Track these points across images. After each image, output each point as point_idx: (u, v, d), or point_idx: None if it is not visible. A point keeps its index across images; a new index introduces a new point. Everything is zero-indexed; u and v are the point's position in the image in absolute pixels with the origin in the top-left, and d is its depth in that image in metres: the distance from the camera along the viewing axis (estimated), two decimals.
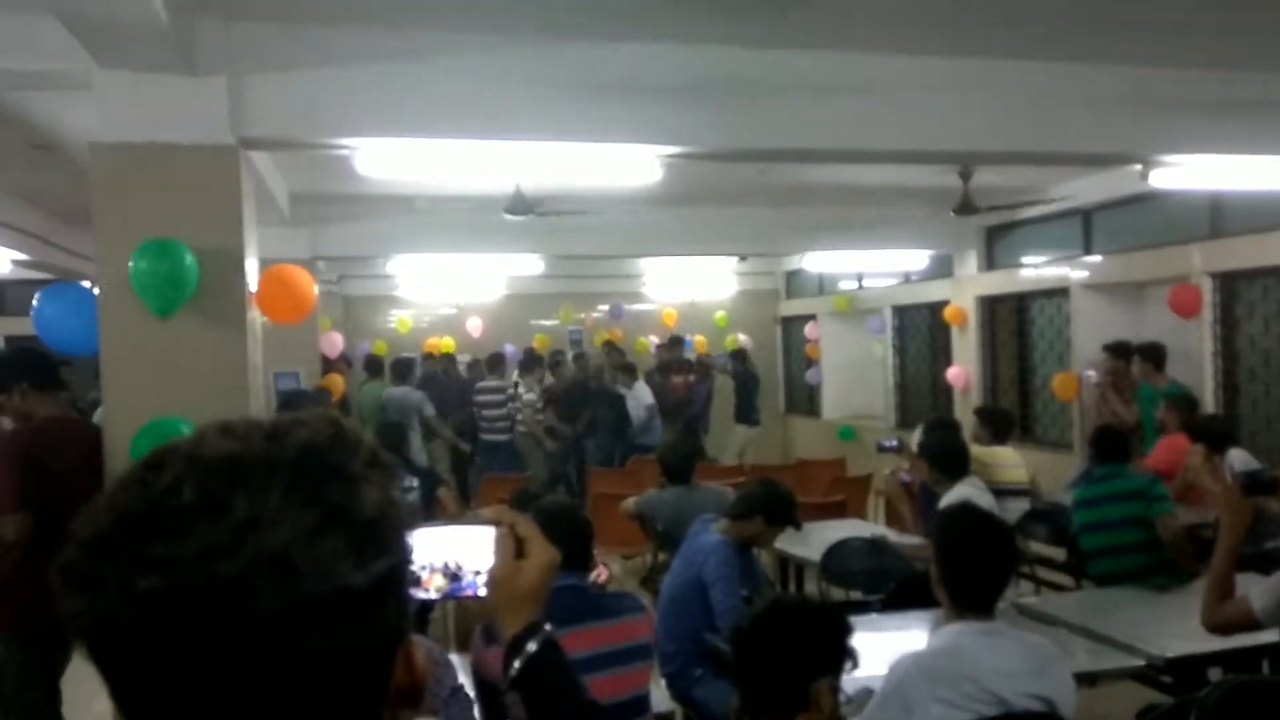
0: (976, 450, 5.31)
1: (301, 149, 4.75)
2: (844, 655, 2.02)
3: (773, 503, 3.83)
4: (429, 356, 10.48)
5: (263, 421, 0.67)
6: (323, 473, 0.64)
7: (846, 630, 2.05)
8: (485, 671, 2.55)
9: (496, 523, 1.18)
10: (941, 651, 2.45)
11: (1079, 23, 4.02)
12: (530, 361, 10.15)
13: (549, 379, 9.97)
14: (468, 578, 1.15)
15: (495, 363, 9.86)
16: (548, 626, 1.19)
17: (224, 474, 0.62)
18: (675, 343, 10.96)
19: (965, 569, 2.51)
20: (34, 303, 3.82)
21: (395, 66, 3.90)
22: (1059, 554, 5.33)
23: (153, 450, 0.65)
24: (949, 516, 2.68)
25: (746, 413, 10.63)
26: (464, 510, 5.55)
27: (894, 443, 5.38)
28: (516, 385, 9.60)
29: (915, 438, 7.07)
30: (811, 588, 4.81)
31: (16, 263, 8.07)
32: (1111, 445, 4.54)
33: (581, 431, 9.58)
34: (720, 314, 12.93)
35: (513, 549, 1.17)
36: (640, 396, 9.58)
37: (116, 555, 0.60)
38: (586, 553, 2.79)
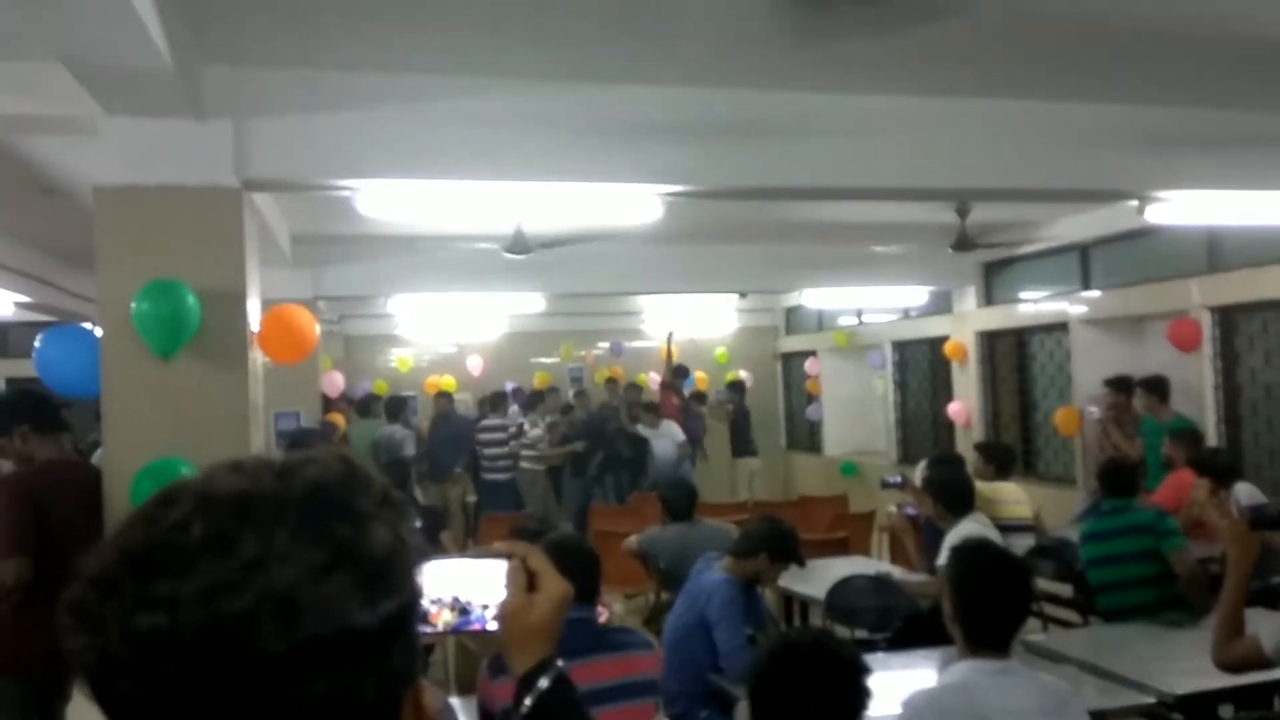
0: (980, 486, 5.28)
1: (304, 190, 4.78)
2: (863, 698, 1.99)
3: (776, 540, 3.81)
4: (443, 395, 10.34)
5: (273, 459, 0.66)
6: (332, 511, 0.63)
7: (864, 671, 2.02)
8: (490, 704, 2.52)
9: (508, 555, 1.15)
10: (953, 689, 2.42)
11: (1074, 62, 4.07)
12: (534, 399, 10.15)
13: (554, 417, 9.96)
14: (476, 612, 1.13)
15: (497, 401, 9.86)
16: (559, 662, 1.17)
17: (232, 511, 0.61)
18: (680, 372, 10.99)
19: (981, 606, 2.47)
20: (35, 344, 3.83)
21: (397, 109, 3.95)
22: (1066, 590, 5.28)
23: (164, 487, 0.65)
24: (964, 552, 2.65)
25: (744, 445, 10.62)
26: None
27: (897, 479, 5.36)
28: (521, 425, 9.59)
29: (918, 473, 7.07)
30: (816, 625, 4.76)
31: (19, 305, 8.10)
32: (1119, 479, 4.52)
33: (596, 473, 9.52)
34: (720, 350, 12.95)
35: (524, 582, 1.14)
36: (672, 434, 9.53)
37: (120, 592, 0.59)
38: (595, 586, 2.78)
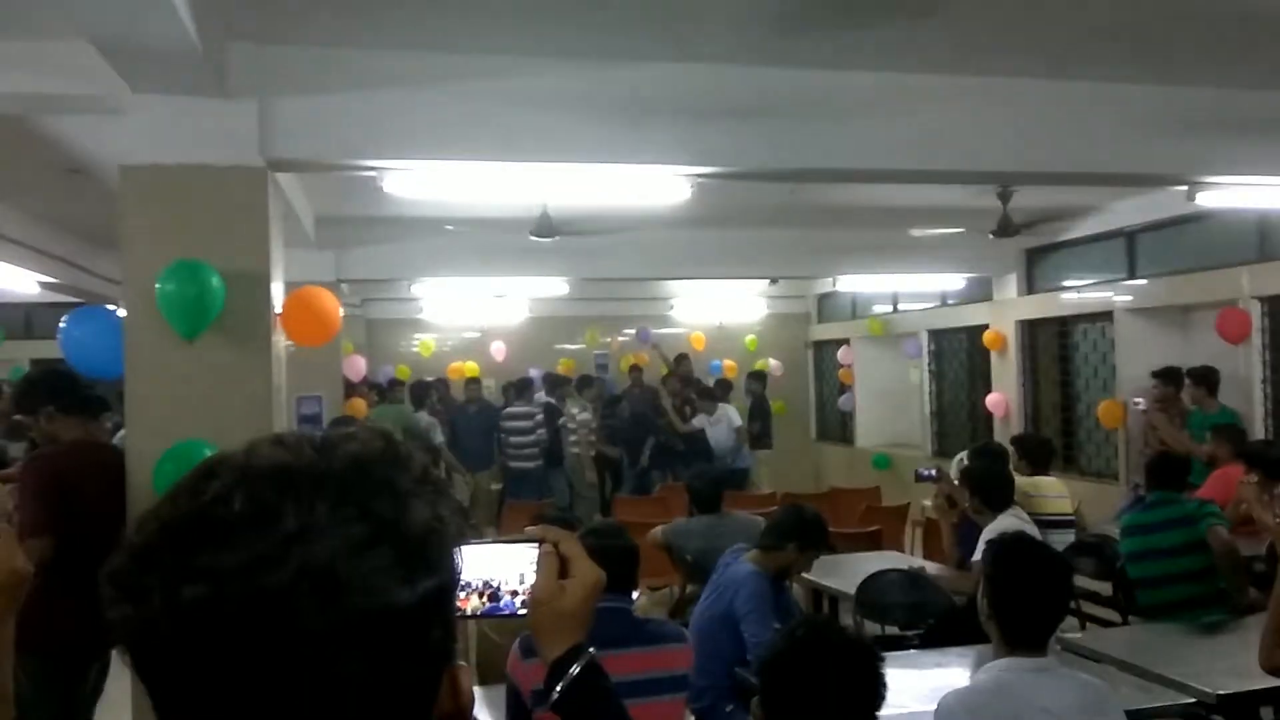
0: (1019, 480, 5.14)
1: (329, 171, 4.74)
2: (877, 687, 1.91)
3: (803, 528, 3.73)
4: (473, 381, 10.13)
5: (314, 434, 0.67)
6: (372, 487, 0.63)
7: (876, 659, 1.94)
8: (521, 685, 2.50)
9: (540, 540, 1.12)
10: (987, 689, 2.36)
11: (1121, 41, 3.91)
12: (583, 382, 9.99)
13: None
14: (505, 598, 1.10)
15: (523, 388, 9.77)
16: (591, 649, 1.14)
17: (273, 484, 0.61)
18: (681, 360, 10.80)
19: (1018, 603, 2.41)
20: (60, 325, 3.81)
21: (424, 89, 3.89)
22: (1105, 588, 5.14)
23: (206, 459, 0.65)
24: (1001, 546, 2.57)
25: (762, 437, 10.32)
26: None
27: (932, 471, 5.23)
28: (545, 410, 9.49)
29: (955, 466, 6.92)
30: (846, 620, 4.66)
31: (44, 285, 8.18)
32: (1168, 472, 4.39)
33: (647, 464, 9.41)
34: (750, 338, 12.81)
35: (556, 568, 1.12)
36: (729, 418, 9.36)
37: (163, 563, 0.59)
38: (632, 576, 2.76)
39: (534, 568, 1.10)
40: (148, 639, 0.59)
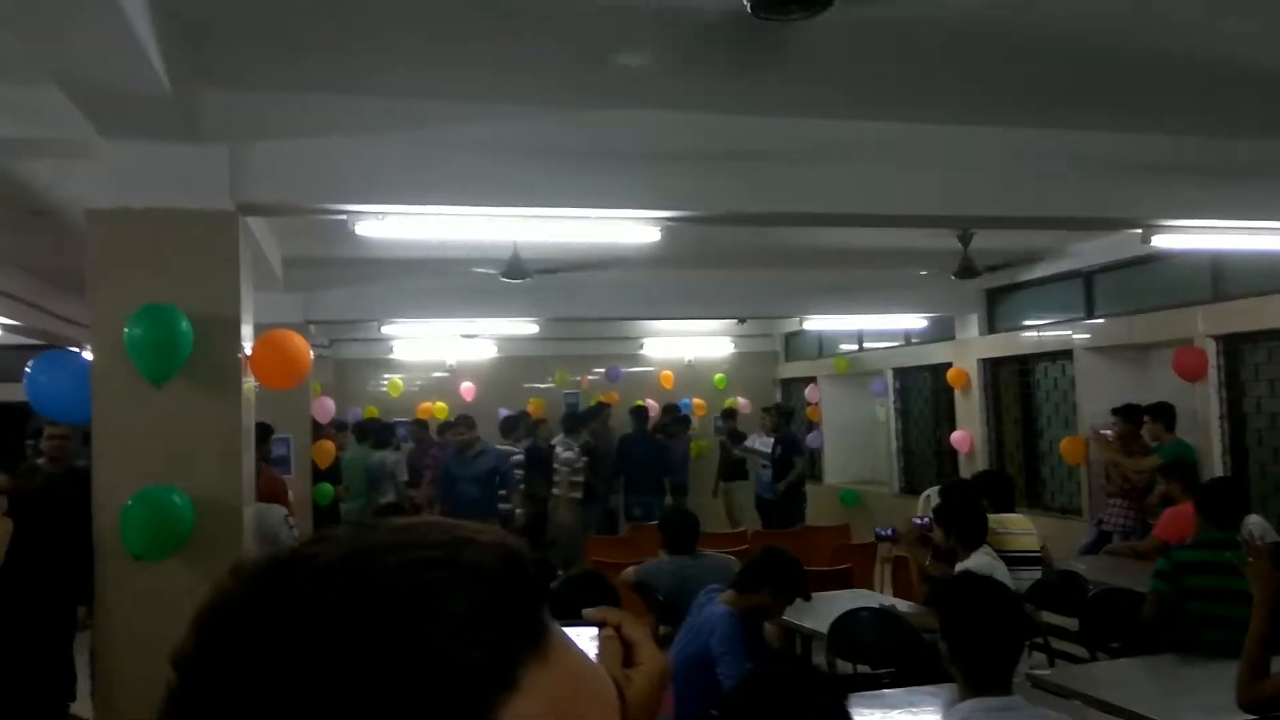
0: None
1: (300, 214, 4.74)
2: None
3: (780, 574, 3.73)
4: (455, 422, 9.05)
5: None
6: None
7: (842, 698, 1.96)
8: None
9: (601, 623, 1.00)
10: None
11: (1077, 90, 4.04)
12: (572, 420, 9.73)
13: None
14: None
15: (509, 427, 9.58)
16: None
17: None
18: (669, 410, 11.08)
19: (973, 643, 2.42)
20: (26, 370, 3.76)
21: (394, 134, 3.92)
22: (1072, 624, 5.18)
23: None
24: (952, 588, 2.59)
25: (736, 470, 10.66)
26: None
27: (889, 531, 5.25)
28: (553, 446, 9.36)
29: (922, 502, 6.98)
30: (819, 659, 4.67)
31: (6, 328, 8.04)
32: (1229, 504, 4.10)
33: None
34: (719, 376, 12.88)
35: (619, 654, 1.00)
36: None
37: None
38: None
39: (594, 655, 0.97)
40: None
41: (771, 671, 2.03)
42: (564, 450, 9.24)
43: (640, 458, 9.77)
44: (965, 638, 2.43)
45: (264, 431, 6.47)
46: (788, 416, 10.63)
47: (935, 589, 2.88)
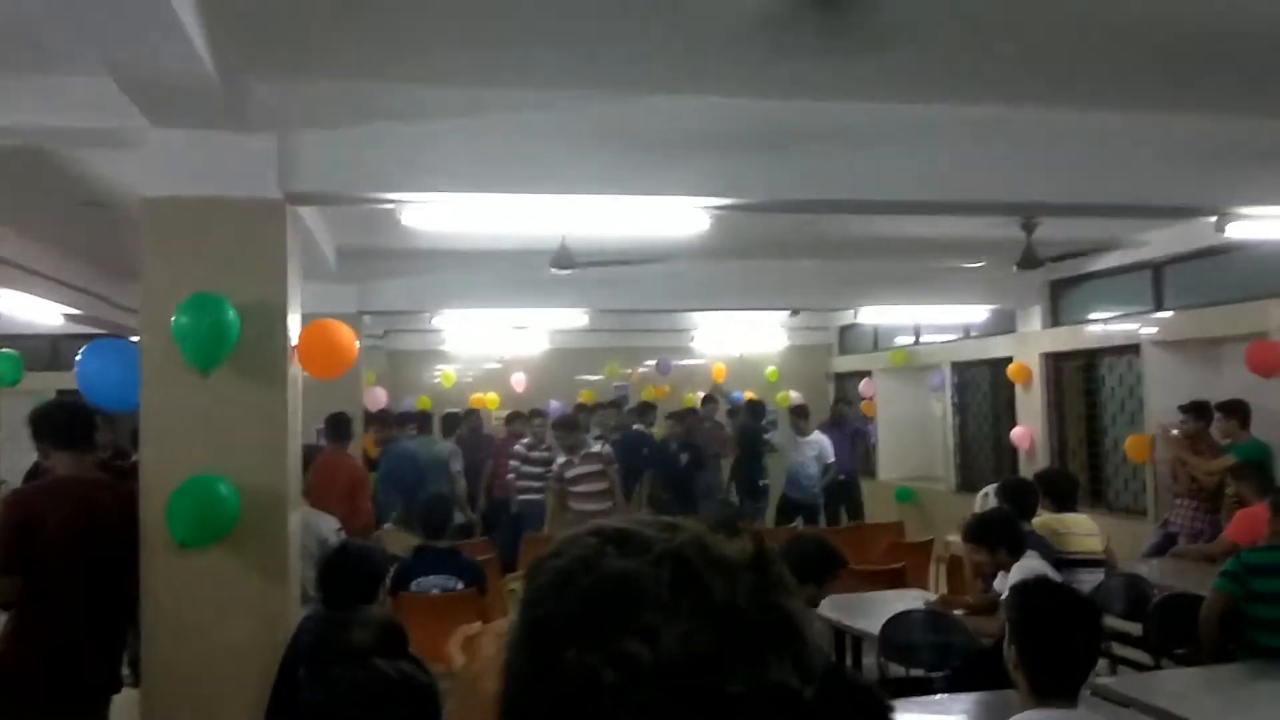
0: (1047, 518, 5.02)
1: (347, 204, 4.74)
2: None
3: (806, 564, 3.60)
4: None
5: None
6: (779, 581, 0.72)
7: (886, 707, 1.85)
8: None
9: None
10: None
11: (1147, 70, 3.85)
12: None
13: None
14: None
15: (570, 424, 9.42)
16: None
17: (702, 560, 0.70)
18: (709, 400, 10.72)
19: (1047, 651, 2.31)
20: (77, 358, 3.81)
21: (443, 122, 3.88)
22: (1136, 629, 4.99)
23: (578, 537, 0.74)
24: (1027, 591, 2.47)
25: (747, 481, 9.33)
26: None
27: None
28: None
29: (979, 500, 6.77)
30: (870, 661, 4.54)
31: (68, 317, 8.22)
32: None
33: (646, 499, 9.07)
34: (771, 369, 12.72)
35: None
36: (821, 447, 9.11)
37: (609, 616, 0.67)
38: None
39: None
40: (590, 684, 0.65)
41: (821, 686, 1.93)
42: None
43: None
44: (1038, 644, 2.32)
45: (343, 420, 6.54)
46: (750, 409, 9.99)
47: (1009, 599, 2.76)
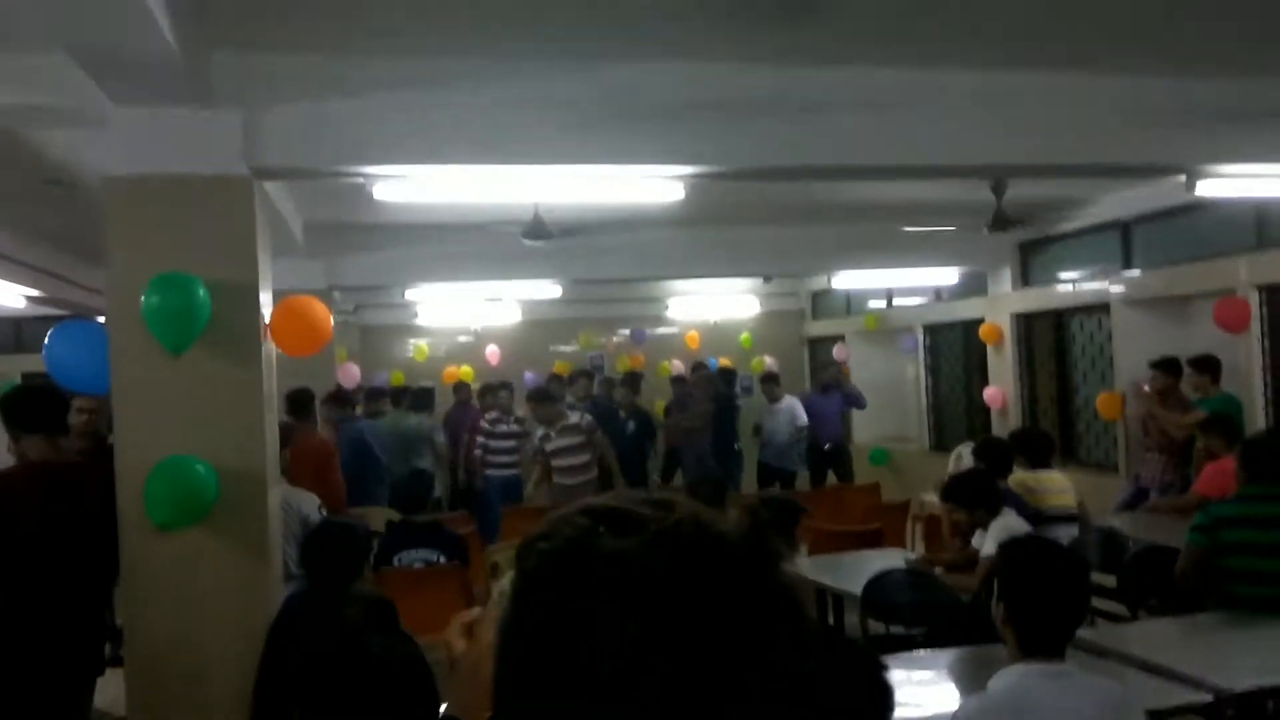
0: (1022, 475, 5.10)
1: (316, 178, 4.67)
2: (885, 696, 1.85)
3: (775, 523, 3.64)
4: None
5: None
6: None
7: (881, 668, 1.88)
8: None
9: None
10: (1006, 695, 2.30)
11: (1115, 30, 3.86)
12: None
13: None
14: None
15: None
16: None
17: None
18: (699, 367, 10.61)
19: (1036, 609, 2.33)
20: (45, 340, 3.74)
21: (410, 93, 3.83)
22: (1110, 581, 5.09)
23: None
24: (1016, 548, 2.50)
25: (720, 446, 9.08)
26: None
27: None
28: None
29: (952, 460, 6.86)
30: (852, 620, 4.61)
31: (31, 299, 8.06)
32: (1271, 458, 3.98)
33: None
34: (744, 335, 12.75)
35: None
36: (792, 412, 9.01)
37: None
38: None
39: None
40: (584, 674, 0.65)
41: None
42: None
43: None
44: (1027, 600, 2.34)
45: (304, 397, 6.43)
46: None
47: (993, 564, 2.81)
